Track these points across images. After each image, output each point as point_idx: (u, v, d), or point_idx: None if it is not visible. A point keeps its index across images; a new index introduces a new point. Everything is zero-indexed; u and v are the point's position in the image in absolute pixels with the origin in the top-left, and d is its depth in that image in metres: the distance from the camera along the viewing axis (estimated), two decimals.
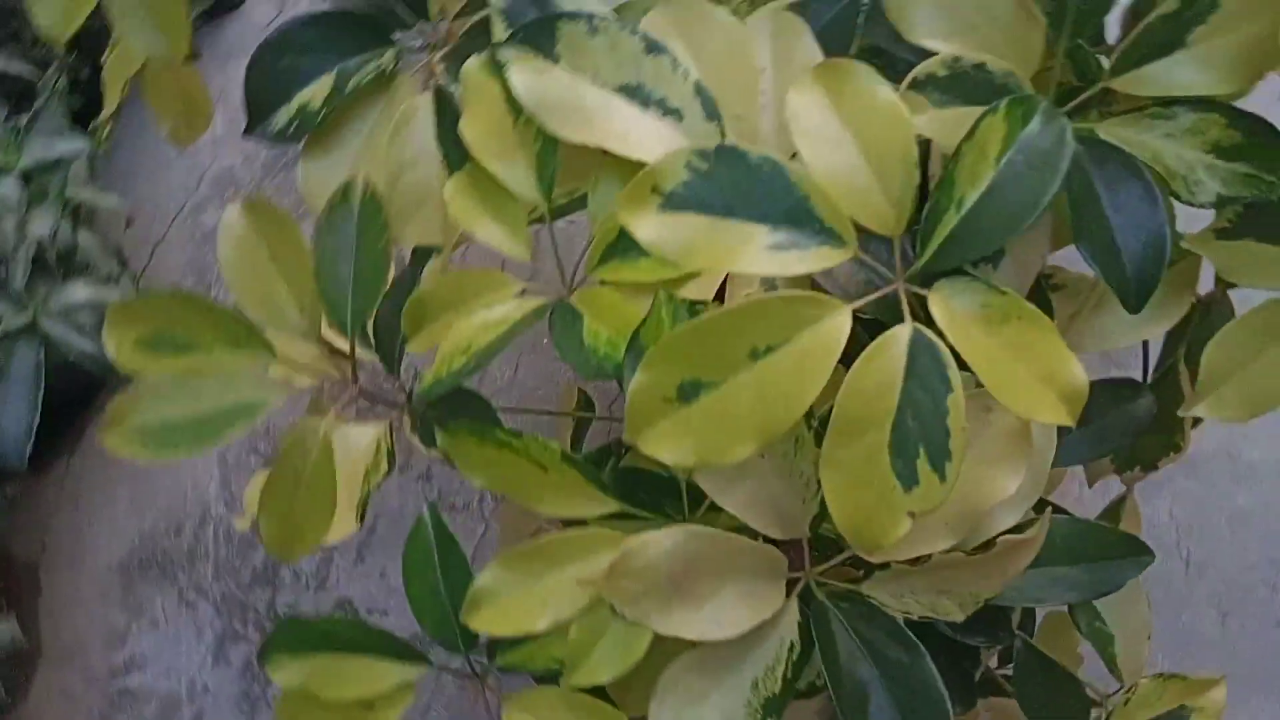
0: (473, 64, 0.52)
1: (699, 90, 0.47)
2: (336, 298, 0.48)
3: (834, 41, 0.50)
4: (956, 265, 0.36)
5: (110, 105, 0.66)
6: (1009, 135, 0.35)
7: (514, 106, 0.50)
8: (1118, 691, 0.53)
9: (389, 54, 0.61)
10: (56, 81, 1.02)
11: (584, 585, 0.41)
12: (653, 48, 0.48)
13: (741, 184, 0.36)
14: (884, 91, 0.37)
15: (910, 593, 0.42)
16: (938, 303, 0.36)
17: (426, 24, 0.62)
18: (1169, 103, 0.42)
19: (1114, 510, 0.60)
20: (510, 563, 0.44)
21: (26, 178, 0.99)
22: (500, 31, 0.56)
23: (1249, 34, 0.40)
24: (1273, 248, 0.44)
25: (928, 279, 0.37)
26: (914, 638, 0.41)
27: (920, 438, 0.34)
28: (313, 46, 0.61)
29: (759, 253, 0.35)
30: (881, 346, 0.35)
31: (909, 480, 0.34)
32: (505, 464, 0.43)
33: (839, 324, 0.35)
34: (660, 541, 0.40)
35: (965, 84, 0.41)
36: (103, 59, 0.64)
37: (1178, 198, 0.42)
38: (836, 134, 0.37)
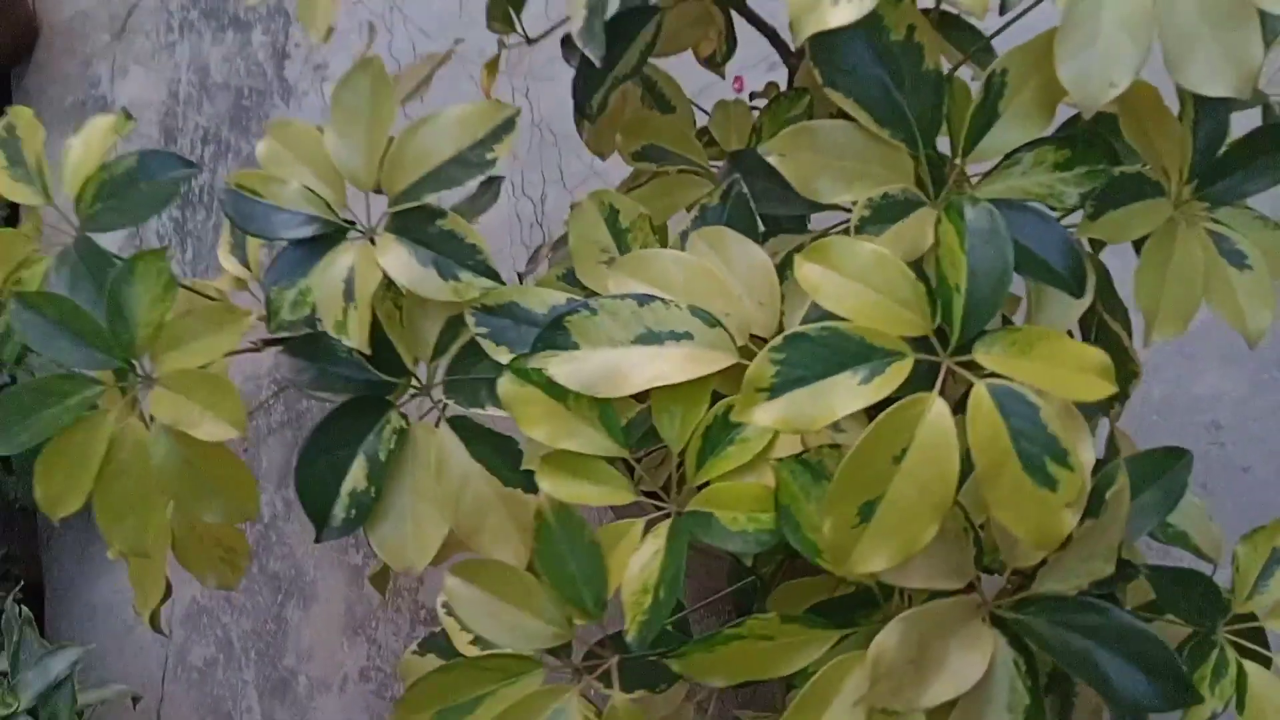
0: (506, 384, 0.61)
1: (694, 312, 0.58)
2: None
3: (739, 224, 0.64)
4: (978, 332, 0.48)
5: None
6: (959, 228, 0.49)
7: (557, 395, 0.60)
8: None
9: (394, 416, 0.69)
10: (20, 610, 1.02)
11: (859, 705, 0.49)
12: (642, 300, 0.59)
13: (813, 352, 0.47)
14: (863, 245, 0.50)
15: (1069, 573, 0.52)
16: (983, 357, 0.48)
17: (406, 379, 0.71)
18: (1009, 155, 0.58)
19: (1112, 442, 0.73)
20: None
21: (34, 713, 0.98)
22: (494, 349, 0.66)
23: (1035, 86, 0.56)
24: (1123, 209, 0.59)
25: (961, 349, 0.49)
26: (1098, 600, 0.51)
27: (1040, 450, 0.45)
28: (334, 443, 0.69)
29: (854, 391, 0.46)
30: (977, 406, 0.46)
31: (1051, 484, 0.45)
32: (737, 654, 0.50)
33: (939, 408, 0.46)
34: (888, 639, 0.49)
35: (885, 211, 0.55)
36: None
37: (1054, 209, 0.57)
38: (843, 285, 0.49)
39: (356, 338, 0.66)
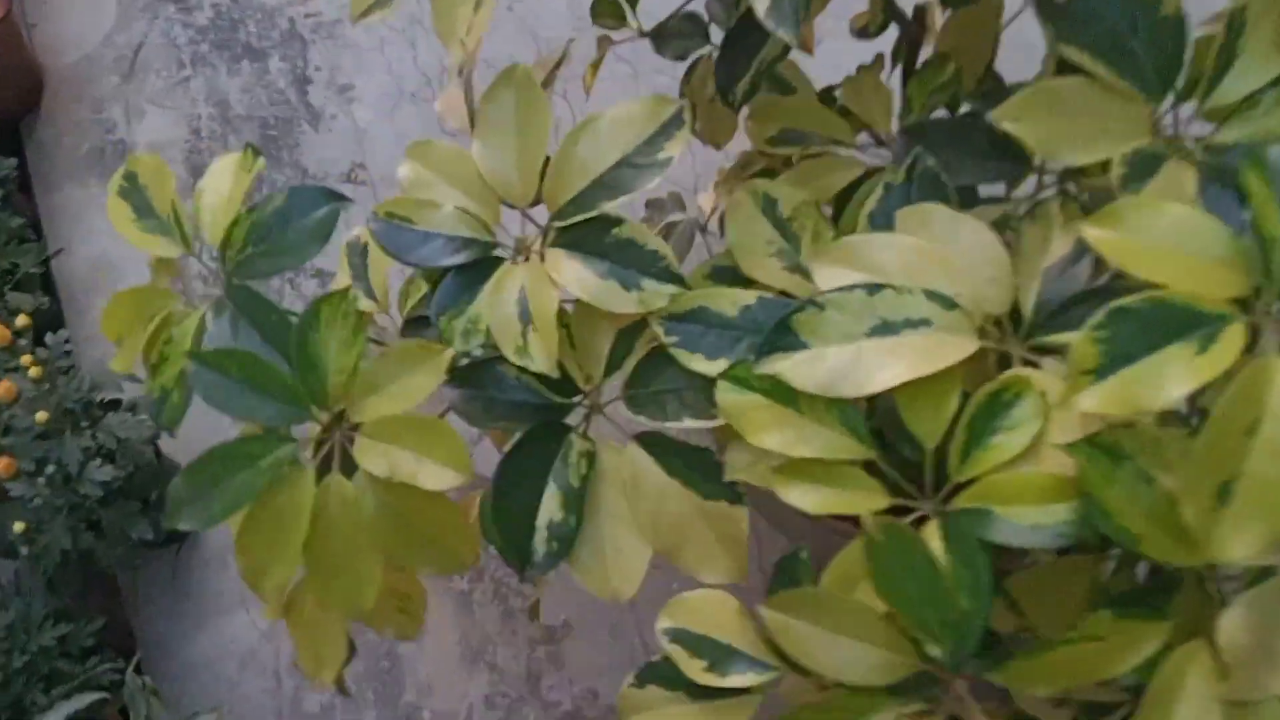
0: (725, 393, 0.57)
1: (929, 295, 0.54)
2: None
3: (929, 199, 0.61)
4: None
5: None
6: (1264, 176, 0.45)
7: (784, 399, 0.56)
8: None
9: (578, 439, 0.65)
10: (143, 681, 0.97)
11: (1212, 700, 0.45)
12: (872, 290, 0.55)
13: (1139, 326, 0.44)
14: (1167, 205, 0.46)
15: None
16: None
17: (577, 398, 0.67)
18: (1248, 97, 0.54)
19: None
20: None
21: None
22: (689, 357, 0.62)
23: (1276, 20, 0.53)
24: None
25: None
26: None
27: None
28: (522, 476, 0.65)
29: (1189, 364, 0.43)
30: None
31: None
32: (1065, 659, 0.46)
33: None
34: (1234, 626, 0.45)
35: (1141, 167, 0.52)
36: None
37: None
38: (1151, 249, 0.46)
39: (543, 361, 0.62)
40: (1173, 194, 0.52)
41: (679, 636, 0.60)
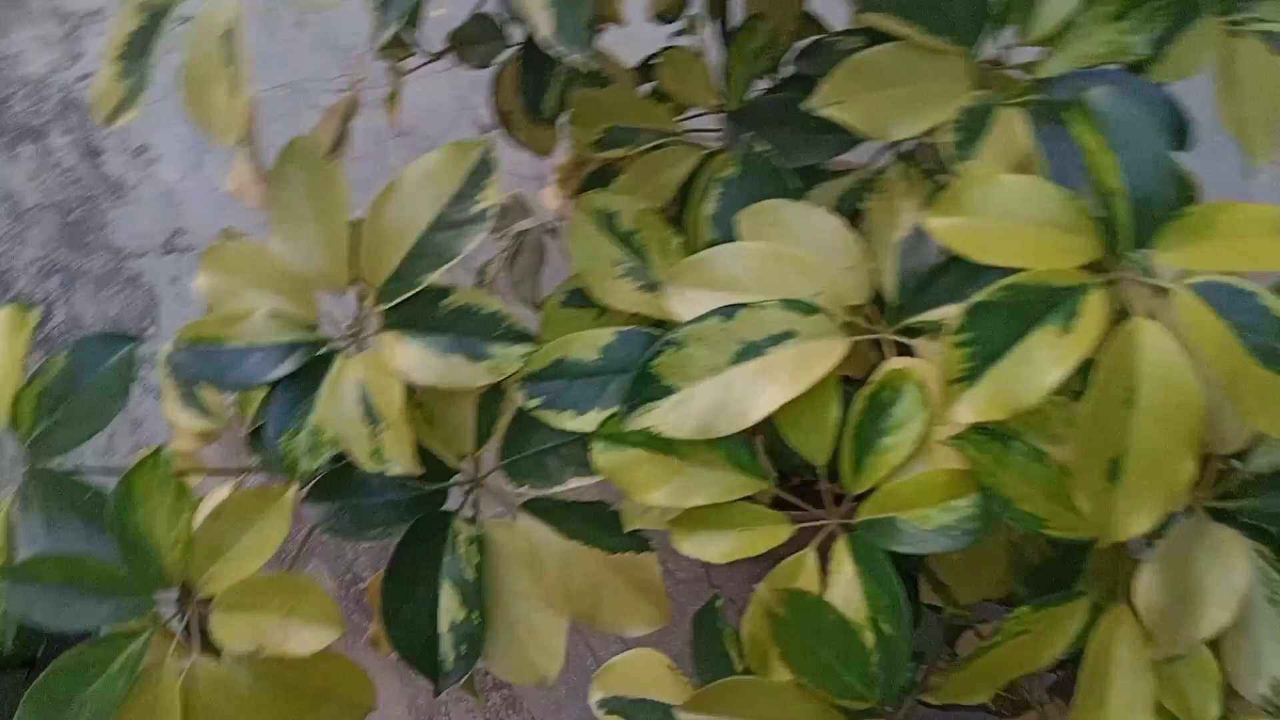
0: (602, 455, 0.53)
1: (786, 305, 0.51)
2: None
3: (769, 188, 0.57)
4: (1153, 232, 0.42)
5: None
6: (1092, 123, 0.43)
7: (663, 449, 0.52)
8: None
9: (461, 525, 0.60)
10: None
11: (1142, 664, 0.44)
12: (728, 313, 0.51)
13: (999, 317, 0.41)
14: (1004, 178, 0.43)
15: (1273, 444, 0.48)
16: (1166, 257, 0.42)
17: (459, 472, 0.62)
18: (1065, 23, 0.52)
19: None
20: None
21: None
22: (557, 418, 0.57)
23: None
24: (1178, 42, 0.54)
25: (1141, 259, 0.43)
26: None
27: (1273, 336, 0.40)
28: (411, 580, 0.60)
29: (1059, 345, 0.40)
30: (1190, 316, 0.40)
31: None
32: (997, 661, 0.45)
33: (1153, 331, 0.40)
34: (1149, 586, 0.44)
35: (972, 128, 0.49)
36: None
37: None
38: (993, 230, 0.43)
39: (402, 462, 0.56)
40: (1009, 146, 0.49)
41: (615, 706, 0.57)
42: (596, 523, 0.60)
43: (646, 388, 0.51)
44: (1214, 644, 0.46)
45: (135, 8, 0.59)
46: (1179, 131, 0.50)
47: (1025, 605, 0.45)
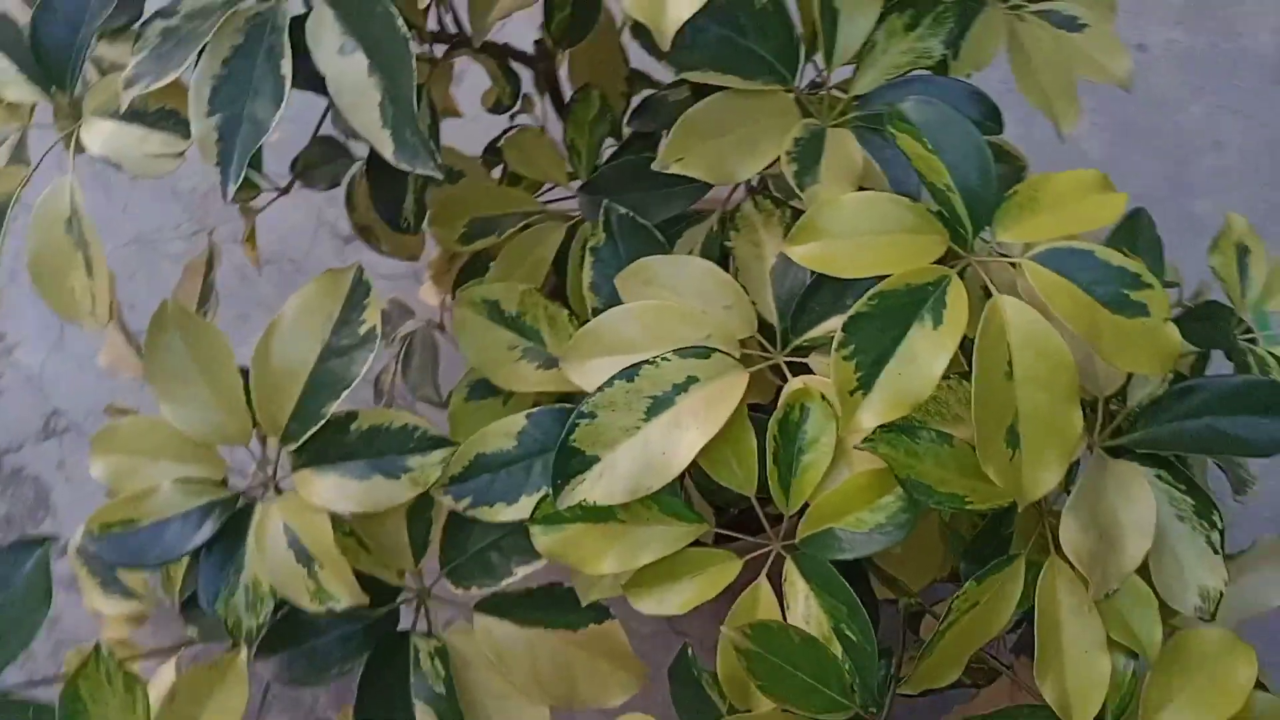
0: (543, 539, 0.54)
1: (682, 354, 0.53)
2: None
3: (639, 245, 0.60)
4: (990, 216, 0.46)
5: None
6: (914, 132, 0.46)
7: (601, 517, 0.53)
8: None
9: (419, 642, 0.60)
10: None
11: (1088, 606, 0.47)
12: (629, 376, 0.53)
13: (874, 325, 0.44)
14: (843, 198, 0.46)
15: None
16: (1006, 234, 0.46)
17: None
18: (865, 44, 0.56)
19: None
20: None
21: None
22: (489, 512, 0.58)
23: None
24: (969, 36, 0.59)
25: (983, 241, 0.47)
26: (1187, 384, 0.51)
27: (1115, 286, 0.44)
28: (382, 707, 0.59)
29: (934, 338, 0.43)
30: (1042, 283, 0.44)
31: (1143, 310, 0.44)
32: (957, 639, 0.47)
33: (1013, 304, 0.44)
34: (1072, 529, 0.47)
35: (807, 155, 0.52)
36: None
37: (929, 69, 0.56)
38: (847, 246, 0.46)
39: (345, 594, 0.56)
40: (846, 164, 0.52)
41: None
42: (552, 605, 0.61)
43: (570, 462, 0.52)
44: (1142, 571, 0.49)
45: None
46: (992, 116, 0.54)
47: (969, 580, 0.47)
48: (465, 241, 0.74)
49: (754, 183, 0.68)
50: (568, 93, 0.78)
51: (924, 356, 0.43)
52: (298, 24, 0.52)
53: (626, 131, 0.74)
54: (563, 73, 0.80)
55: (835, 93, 0.57)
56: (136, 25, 0.54)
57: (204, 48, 0.52)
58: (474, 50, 0.69)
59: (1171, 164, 1.27)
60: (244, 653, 0.53)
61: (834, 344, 0.44)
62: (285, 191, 0.75)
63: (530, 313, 0.65)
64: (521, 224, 0.73)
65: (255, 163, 0.73)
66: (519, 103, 0.82)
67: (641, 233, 0.61)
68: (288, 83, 0.51)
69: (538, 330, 0.65)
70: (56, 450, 1.31)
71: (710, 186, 0.64)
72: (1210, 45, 1.33)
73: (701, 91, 0.56)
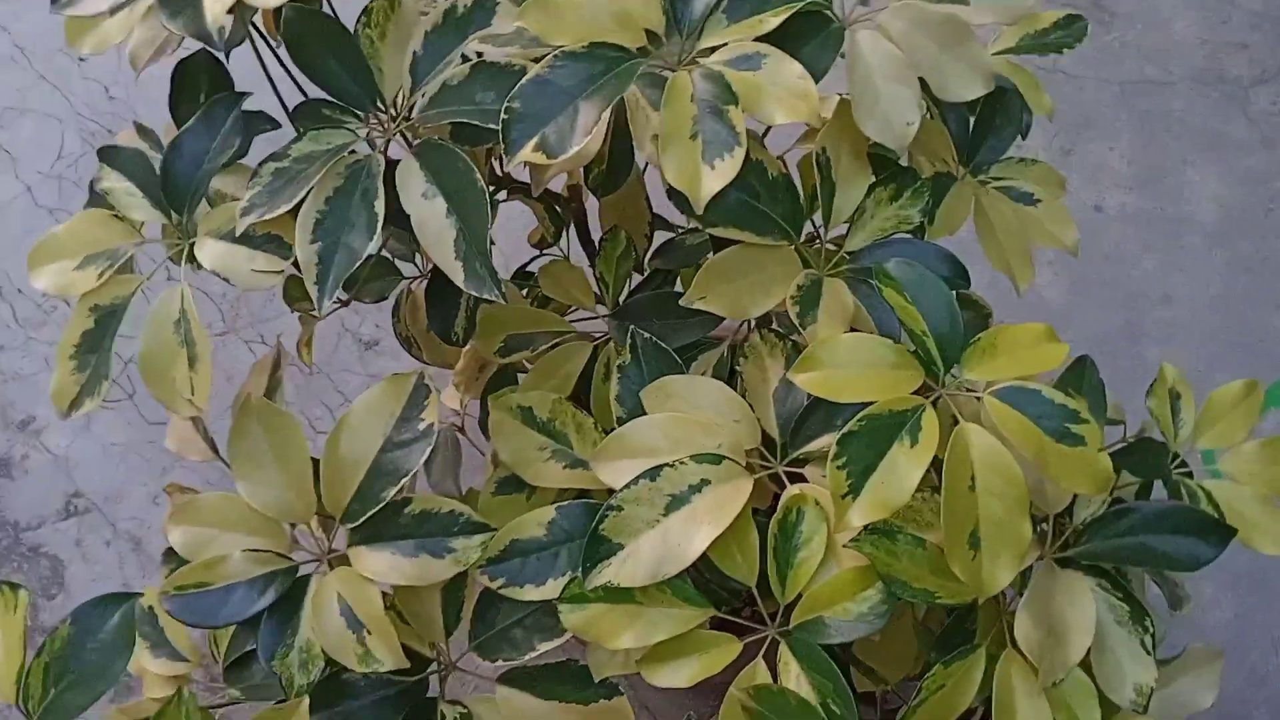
0: (570, 616, 0.62)
1: (698, 460, 0.62)
2: None
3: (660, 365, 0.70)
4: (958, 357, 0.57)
5: None
6: (896, 286, 0.57)
7: (622, 598, 0.61)
8: None
9: (448, 709, 0.67)
10: None
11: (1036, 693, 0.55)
12: (652, 475, 0.62)
13: (863, 443, 0.54)
14: (841, 337, 0.57)
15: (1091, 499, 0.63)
16: (972, 373, 0.56)
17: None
18: (856, 210, 0.67)
19: None
20: None
21: None
22: (520, 593, 0.66)
23: (848, 150, 0.66)
24: (943, 207, 0.71)
25: (953, 378, 0.58)
26: (1123, 507, 0.61)
27: (1059, 420, 0.54)
28: None
29: (911, 455, 0.53)
30: (999, 415, 0.54)
31: (1081, 441, 0.54)
32: (939, 706, 0.55)
33: (977, 432, 0.54)
34: (1025, 626, 0.56)
35: (808, 301, 0.63)
36: None
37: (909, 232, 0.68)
38: (843, 376, 0.56)
39: (390, 659, 0.63)
40: (839, 307, 0.63)
41: None
42: (567, 680, 0.68)
43: (599, 548, 0.61)
44: (1085, 665, 0.58)
45: (85, 311, 0.67)
46: (960, 274, 0.65)
47: (938, 663, 0.56)
48: (503, 354, 0.84)
49: (753, 321, 0.79)
50: (593, 230, 0.90)
51: (903, 469, 0.53)
52: (389, 170, 0.64)
53: (648, 268, 0.85)
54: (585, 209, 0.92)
55: (829, 246, 0.68)
56: (255, 164, 0.65)
57: (310, 188, 0.62)
58: (525, 196, 0.80)
59: (1125, 313, 1.40)
60: (305, 702, 0.60)
61: (830, 455, 0.54)
62: (345, 304, 0.85)
63: (560, 419, 0.74)
64: (552, 342, 0.83)
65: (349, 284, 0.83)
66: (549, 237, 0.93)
67: (663, 355, 0.71)
68: (380, 220, 0.62)
69: (566, 434, 0.74)
70: (75, 530, 1.38)
71: (722, 320, 0.75)
72: (1158, 209, 1.48)
73: (717, 240, 0.67)
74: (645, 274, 0.85)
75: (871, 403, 0.55)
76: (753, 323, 0.74)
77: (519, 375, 0.93)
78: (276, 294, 1.24)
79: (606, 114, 0.56)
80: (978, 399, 0.56)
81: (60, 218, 1.61)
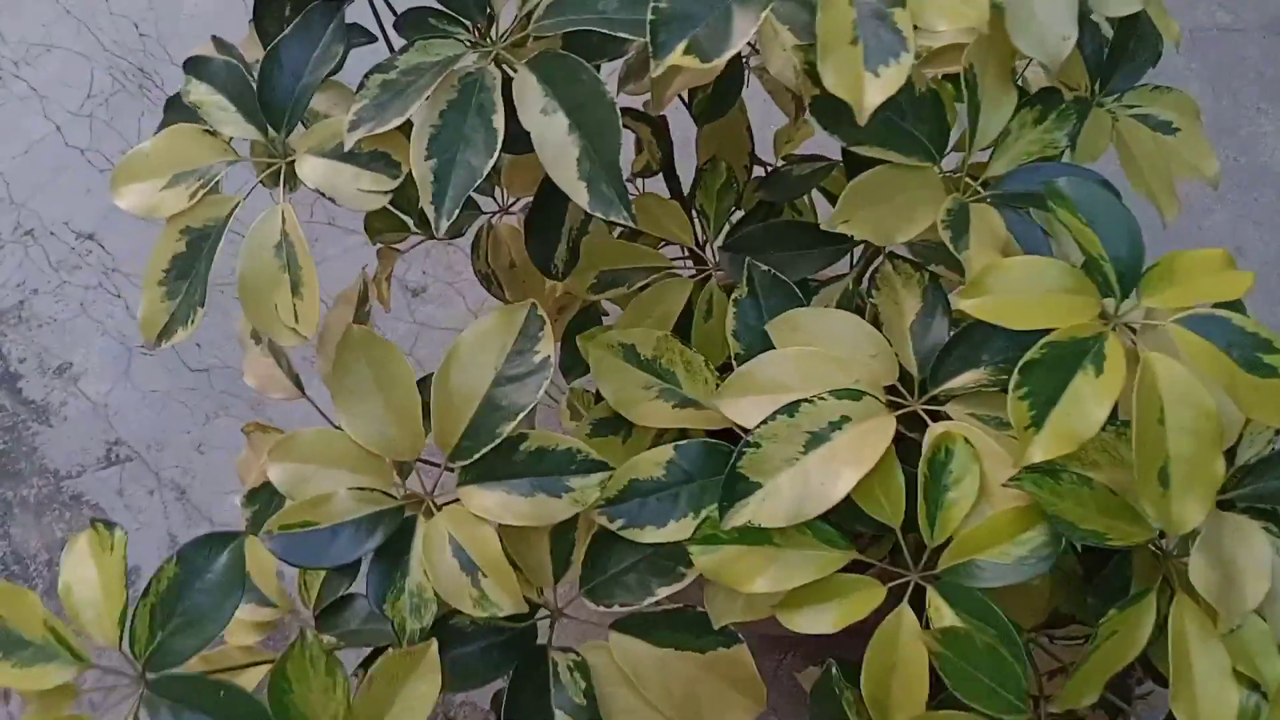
0: (702, 558, 0.58)
1: (838, 395, 0.59)
2: None
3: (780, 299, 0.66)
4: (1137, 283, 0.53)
5: None
6: (1070, 207, 0.53)
7: (758, 540, 0.58)
8: None
9: (558, 656, 0.64)
10: None
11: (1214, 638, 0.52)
12: (791, 411, 0.58)
13: (1044, 371, 0.50)
14: (1010, 260, 0.53)
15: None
16: (1151, 300, 0.52)
17: None
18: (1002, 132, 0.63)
19: None
20: None
21: None
22: (640, 534, 0.63)
23: (994, 68, 0.61)
24: (1082, 135, 0.67)
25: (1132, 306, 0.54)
26: None
27: (1250, 350, 0.50)
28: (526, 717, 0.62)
29: (1097, 386, 0.49)
30: (1187, 344, 0.50)
31: (1274, 371, 0.50)
32: (1104, 660, 0.52)
33: (1162, 361, 0.50)
34: (1200, 569, 0.53)
35: (959, 224, 0.59)
36: None
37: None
38: (1017, 301, 0.52)
39: (509, 602, 0.60)
40: (990, 233, 0.59)
41: None
42: (685, 627, 0.65)
43: (737, 486, 0.57)
44: (1260, 614, 0.54)
45: (175, 233, 0.63)
46: (1115, 196, 0.61)
47: (1111, 609, 0.52)
48: (595, 290, 0.79)
49: (855, 254, 0.75)
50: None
51: (1088, 400, 0.49)
52: (507, 85, 0.59)
53: (751, 201, 0.81)
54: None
55: (966, 178, 0.64)
56: (348, 83, 0.61)
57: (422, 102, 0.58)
58: (632, 117, 0.76)
59: None
60: (434, 645, 0.57)
61: (1011, 385, 0.50)
62: (431, 237, 0.81)
63: (666, 356, 0.71)
64: (648, 280, 0.79)
65: (409, 208, 0.79)
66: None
67: (782, 288, 0.67)
68: (499, 135, 0.58)
69: (673, 373, 0.70)
70: (117, 479, 1.34)
71: (843, 253, 0.71)
72: (1231, 159, 1.44)
73: (853, 164, 0.63)
74: (749, 209, 0.81)
75: (1047, 331, 0.51)
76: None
77: (600, 319, 0.89)
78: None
79: (763, 16, 0.51)
80: (1157, 327, 0.52)
81: (92, 158, 1.56)
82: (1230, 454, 0.59)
